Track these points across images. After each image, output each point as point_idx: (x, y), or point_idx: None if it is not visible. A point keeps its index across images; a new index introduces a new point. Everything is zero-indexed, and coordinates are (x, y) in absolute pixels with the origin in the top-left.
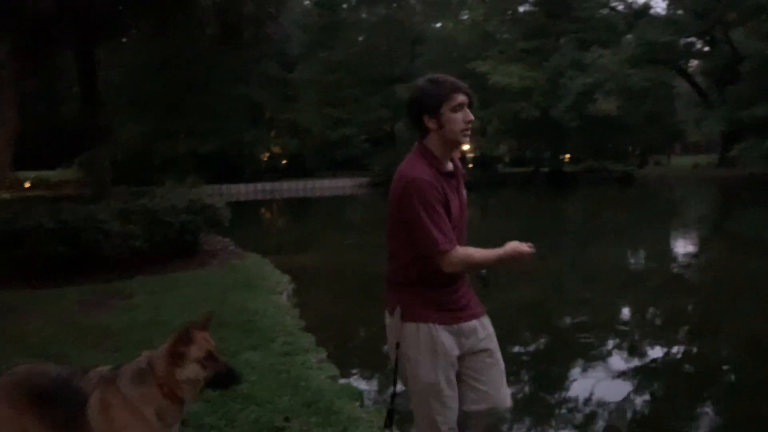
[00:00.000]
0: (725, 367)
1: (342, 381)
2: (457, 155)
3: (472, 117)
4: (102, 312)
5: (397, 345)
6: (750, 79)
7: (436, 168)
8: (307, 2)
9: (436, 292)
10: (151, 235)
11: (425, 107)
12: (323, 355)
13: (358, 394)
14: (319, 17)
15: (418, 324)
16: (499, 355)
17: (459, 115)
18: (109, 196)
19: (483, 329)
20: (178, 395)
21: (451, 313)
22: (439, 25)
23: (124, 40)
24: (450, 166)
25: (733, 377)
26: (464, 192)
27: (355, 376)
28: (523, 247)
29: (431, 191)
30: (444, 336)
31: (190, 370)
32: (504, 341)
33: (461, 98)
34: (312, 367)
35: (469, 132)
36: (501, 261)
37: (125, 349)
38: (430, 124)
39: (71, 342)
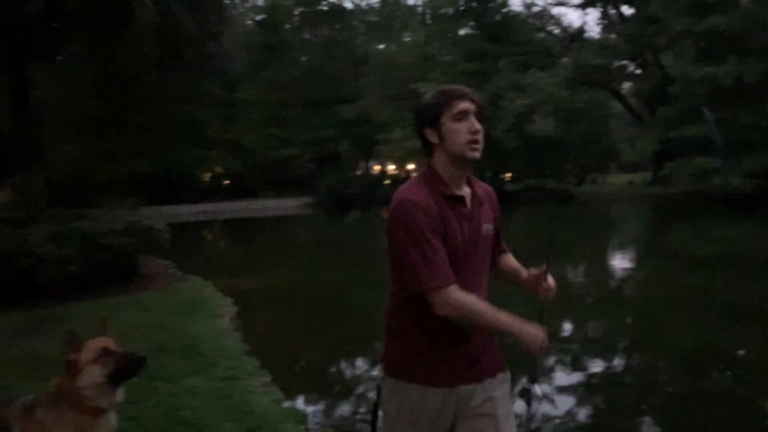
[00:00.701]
0: (663, 378)
1: (286, 404)
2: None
3: (478, 127)
4: (35, 340)
5: (378, 391)
6: (679, 101)
7: (437, 191)
8: (250, 22)
9: (435, 343)
10: (87, 259)
11: (425, 118)
12: (267, 378)
13: (303, 417)
14: (262, 37)
15: (398, 382)
16: (505, 425)
17: (462, 125)
18: (44, 218)
19: (483, 392)
20: (90, 406)
21: (449, 373)
22: (382, 46)
23: (59, 58)
24: (464, 190)
25: (671, 388)
26: (486, 221)
27: (300, 399)
28: (539, 339)
29: (421, 216)
30: (433, 400)
31: (88, 374)
32: None
33: (464, 105)
34: (255, 391)
35: (478, 145)
36: (510, 332)
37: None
38: (432, 137)
39: (1, 373)
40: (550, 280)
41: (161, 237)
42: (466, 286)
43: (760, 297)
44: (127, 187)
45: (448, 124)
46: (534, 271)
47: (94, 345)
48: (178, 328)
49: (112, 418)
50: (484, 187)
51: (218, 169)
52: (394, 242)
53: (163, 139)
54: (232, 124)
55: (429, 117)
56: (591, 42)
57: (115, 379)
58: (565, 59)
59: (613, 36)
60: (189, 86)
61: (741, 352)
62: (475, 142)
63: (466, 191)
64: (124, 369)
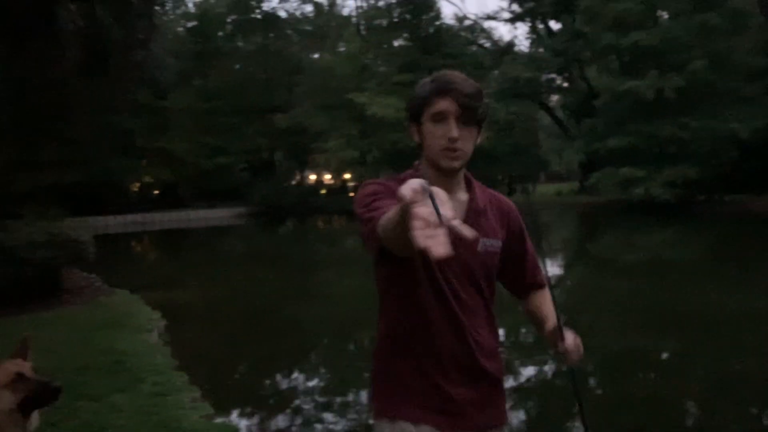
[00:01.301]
0: (591, 382)
1: (218, 420)
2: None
3: (455, 134)
4: None
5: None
6: (603, 113)
7: None
8: (181, 29)
9: (415, 372)
10: (5, 274)
11: (410, 112)
12: (197, 394)
13: None
14: (193, 45)
15: (381, 421)
16: None
17: (438, 129)
18: None
19: None
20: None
21: (444, 418)
22: (317, 56)
23: None
24: (458, 196)
25: (599, 391)
26: (488, 235)
27: (233, 414)
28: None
29: (375, 187)
30: None
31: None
32: None
33: (444, 105)
34: (185, 407)
35: (456, 154)
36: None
37: None
38: (414, 135)
39: None
40: (569, 338)
41: (86, 249)
42: (453, 321)
43: (682, 301)
44: (49, 197)
45: (426, 124)
46: (549, 326)
47: (9, 369)
48: (104, 344)
49: None
50: (491, 195)
51: (148, 179)
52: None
53: (88, 149)
54: (163, 132)
55: (413, 111)
56: (520, 55)
57: (26, 407)
58: (495, 72)
59: (541, 50)
60: (116, 94)
61: (664, 355)
62: (451, 150)
63: (460, 197)
64: (37, 398)
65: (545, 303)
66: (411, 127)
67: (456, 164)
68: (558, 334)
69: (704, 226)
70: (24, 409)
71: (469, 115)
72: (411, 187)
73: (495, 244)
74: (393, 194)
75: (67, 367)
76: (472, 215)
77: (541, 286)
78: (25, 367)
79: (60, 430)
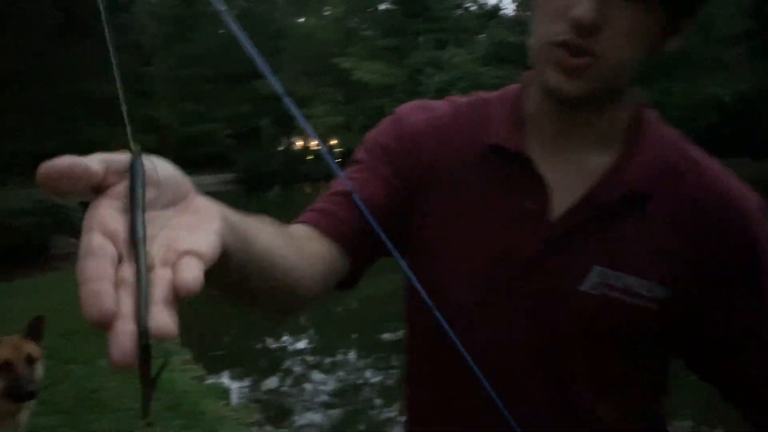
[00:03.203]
0: None
1: (209, 381)
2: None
3: (585, 11)
4: None
5: None
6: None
7: (475, 131)
8: None
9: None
10: None
11: None
12: (188, 356)
13: (225, 393)
14: (175, 9)
15: None
16: None
17: (552, 3)
18: None
19: None
20: None
21: None
22: (301, 20)
23: None
24: (592, 160)
25: None
26: (627, 266)
27: (223, 376)
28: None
29: (387, 130)
30: None
31: None
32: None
33: None
34: (176, 369)
35: (577, 62)
36: None
37: None
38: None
39: None
40: None
41: (73, 215)
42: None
43: None
44: (33, 165)
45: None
46: None
47: (2, 354)
48: None
49: (22, 417)
50: (692, 172)
51: (133, 146)
52: None
53: (69, 116)
54: (146, 99)
55: None
56: (507, 19)
57: (10, 395)
58: (481, 36)
59: (527, 13)
60: (96, 60)
61: None
62: (572, 48)
63: (589, 162)
64: (14, 391)
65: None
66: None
67: (576, 86)
68: None
69: None
70: (8, 396)
71: None
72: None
73: (643, 287)
74: (402, 158)
75: (57, 331)
76: (586, 211)
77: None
78: (20, 354)
79: (52, 392)
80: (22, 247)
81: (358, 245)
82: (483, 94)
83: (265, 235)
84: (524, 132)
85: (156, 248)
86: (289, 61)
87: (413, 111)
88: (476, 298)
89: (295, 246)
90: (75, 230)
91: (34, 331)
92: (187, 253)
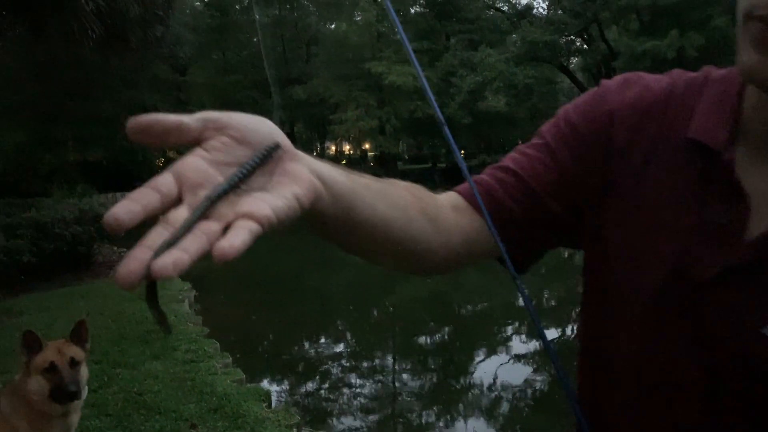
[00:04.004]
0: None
1: (249, 384)
2: None
3: None
4: None
5: None
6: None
7: (677, 119)
8: (198, 3)
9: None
10: (39, 249)
11: None
12: (228, 360)
13: (266, 396)
14: (210, 19)
15: None
16: None
17: None
18: None
19: None
20: (35, 408)
21: None
22: (333, 26)
23: None
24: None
25: None
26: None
27: (263, 379)
28: None
29: (579, 111)
30: None
31: (34, 382)
32: (410, 332)
33: None
34: (217, 373)
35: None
36: None
37: (14, 371)
38: None
39: None
40: None
41: None
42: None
43: None
44: (76, 174)
45: None
46: None
47: (46, 356)
48: (137, 314)
49: (73, 419)
50: None
51: (172, 154)
52: None
53: (112, 125)
54: (184, 107)
55: None
56: (538, 18)
57: (53, 397)
58: (513, 36)
59: (559, 12)
60: (136, 70)
61: None
62: (765, 21)
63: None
64: (58, 393)
65: None
66: None
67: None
68: None
69: None
70: (54, 397)
71: None
72: (201, 115)
73: None
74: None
75: (103, 337)
76: None
77: None
78: (65, 357)
79: (100, 395)
80: (67, 255)
81: (509, 225)
82: (712, 71)
83: (384, 204)
84: (735, 130)
85: (222, 205)
86: (322, 66)
87: (620, 85)
88: (642, 313)
89: (430, 215)
90: (118, 239)
91: (78, 335)
92: (245, 215)
